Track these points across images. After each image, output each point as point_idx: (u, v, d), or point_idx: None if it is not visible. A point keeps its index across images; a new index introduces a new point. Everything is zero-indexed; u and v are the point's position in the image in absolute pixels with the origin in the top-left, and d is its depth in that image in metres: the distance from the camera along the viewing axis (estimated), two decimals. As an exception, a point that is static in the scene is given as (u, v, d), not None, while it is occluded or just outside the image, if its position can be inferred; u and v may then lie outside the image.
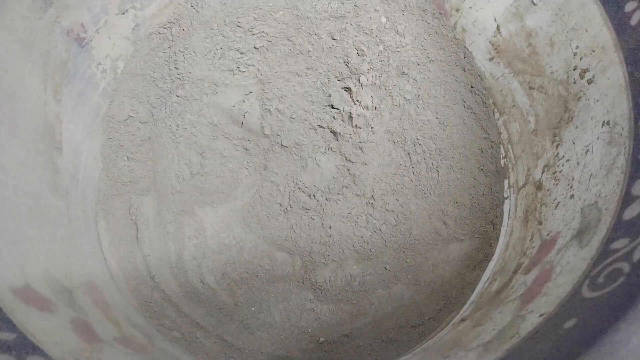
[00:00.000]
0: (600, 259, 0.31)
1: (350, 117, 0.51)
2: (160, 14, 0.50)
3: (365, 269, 0.49)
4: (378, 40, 0.51)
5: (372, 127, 0.51)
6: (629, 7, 0.36)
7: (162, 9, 0.50)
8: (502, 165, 0.51)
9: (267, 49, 0.51)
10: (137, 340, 0.40)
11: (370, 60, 0.51)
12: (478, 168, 0.51)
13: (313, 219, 0.50)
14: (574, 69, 0.41)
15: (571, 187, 0.40)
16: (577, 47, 0.41)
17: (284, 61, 0.51)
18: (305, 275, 0.49)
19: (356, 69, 0.51)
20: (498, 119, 0.52)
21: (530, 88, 0.47)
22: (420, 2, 0.51)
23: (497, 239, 0.49)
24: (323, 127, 0.51)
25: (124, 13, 0.48)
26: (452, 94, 0.51)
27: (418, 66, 0.51)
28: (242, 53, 0.50)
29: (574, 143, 0.41)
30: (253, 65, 0.51)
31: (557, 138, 0.43)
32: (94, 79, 0.49)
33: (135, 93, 0.52)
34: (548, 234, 0.40)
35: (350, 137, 0.51)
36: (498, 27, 0.49)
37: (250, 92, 0.51)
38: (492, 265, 0.48)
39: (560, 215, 0.40)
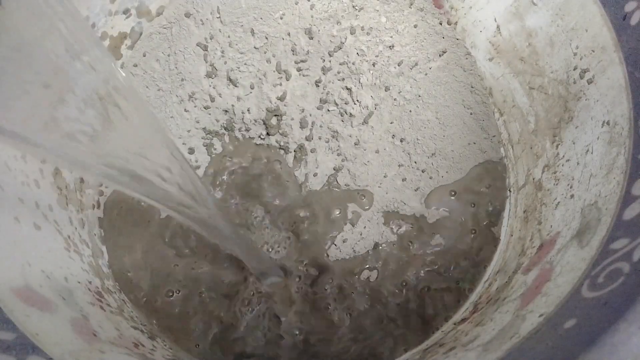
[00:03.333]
0: (600, 259, 0.31)
1: (351, 117, 0.51)
2: (161, 14, 0.50)
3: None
4: (378, 40, 0.51)
5: (372, 127, 0.51)
6: (629, 7, 0.36)
7: (162, 9, 0.50)
8: (502, 165, 0.51)
9: (267, 49, 0.51)
10: (137, 340, 0.40)
11: (370, 60, 0.51)
12: (478, 168, 0.51)
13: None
14: (574, 69, 0.41)
15: (571, 187, 0.40)
16: (577, 47, 0.41)
17: (283, 61, 0.51)
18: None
19: (356, 69, 0.51)
20: (498, 119, 0.52)
21: (530, 88, 0.47)
22: (420, 2, 0.51)
23: (497, 239, 0.49)
24: (323, 127, 0.51)
25: (124, 13, 0.48)
26: (452, 94, 0.51)
27: (418, 66, 0.51)
28: (242, 53, 0.50)
29: (574, 143, 0.41)
30: (253, 65, 0.51)
31: (557, 138, 0.43)
32: (94, 79, 0.49)
33: (135, 93, 0.52)
34: (548, 234, 0.40)
35: (350, 137, 0.51)
36: (498, 27, 0.49)
37: (251, 92, 0.51)
38: (492, 265, 0.48)
39: (560, 215, 0.40)
